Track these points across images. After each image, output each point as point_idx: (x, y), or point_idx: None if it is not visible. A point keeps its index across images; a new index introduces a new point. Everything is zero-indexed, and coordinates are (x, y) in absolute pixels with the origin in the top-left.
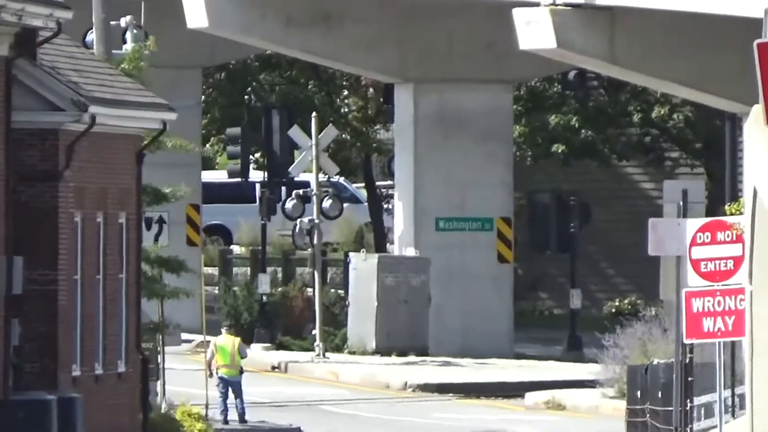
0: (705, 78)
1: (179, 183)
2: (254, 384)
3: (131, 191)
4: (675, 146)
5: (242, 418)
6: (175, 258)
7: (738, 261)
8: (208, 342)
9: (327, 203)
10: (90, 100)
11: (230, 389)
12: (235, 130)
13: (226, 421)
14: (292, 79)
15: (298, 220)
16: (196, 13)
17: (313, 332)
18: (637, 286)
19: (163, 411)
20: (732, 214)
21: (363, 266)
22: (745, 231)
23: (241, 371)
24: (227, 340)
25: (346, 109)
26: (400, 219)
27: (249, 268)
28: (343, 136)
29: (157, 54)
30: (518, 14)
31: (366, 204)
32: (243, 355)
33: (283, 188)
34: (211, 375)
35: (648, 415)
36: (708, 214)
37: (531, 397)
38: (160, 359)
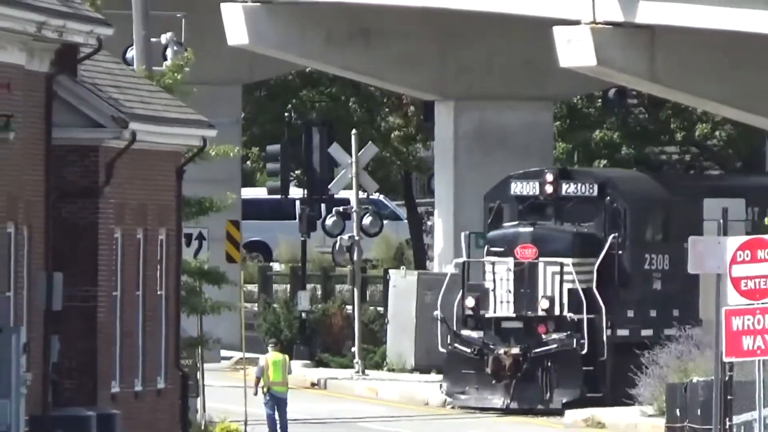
0: (746, 96)
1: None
2: (294, 401)
3: (171, 207)
4: (715, 164)
5: None
6: (216, 269)
7: None
8: (248, 359)
9: (367, 220)
10: (130, 117)
11: (276, 407)
12: (275, 147)
13: None
14: (332, 95)
15: (338, 237)
16: (236, 30)
17: (353, 349)
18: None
19: (202, 428)
20: None
21: (402, 283)
22: None
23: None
24: (278, 357)
25: (387, 126)
26: (439, 236)
27: (289, 285)
28: (383, 153)
29: (197, 71)
30: (559, 32)
31: (406, 221)
32: (290, 372)
33: (323, 205)
34: (256, 393)
35: None
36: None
37: (570, 414)
38: (199, 375)
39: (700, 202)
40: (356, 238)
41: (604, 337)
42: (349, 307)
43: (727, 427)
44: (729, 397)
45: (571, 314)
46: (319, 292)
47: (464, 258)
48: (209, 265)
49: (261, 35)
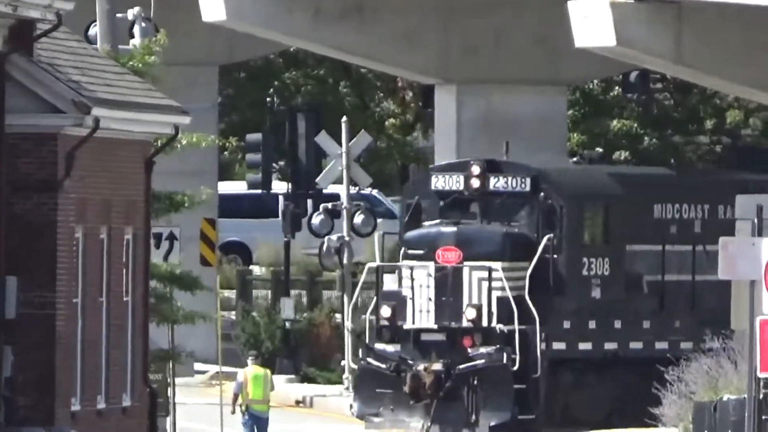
0: None
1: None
2: (277, 420)
3: (139, 203)
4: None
5: None
6: (189, 274)
7: None
8: (225, 373)
9: (359, 218)
10: (93, 101)
11: (255, 427)
12: (256, 136)
13: None
14: (320, 78)
15: (326, 238)
16: (212, 5)
17: (342, 363)
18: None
19: None
20: None
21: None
22: None
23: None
24: (258, 371)
25: (381, 113)
26: None
27: (270, 291)
28: (378, 143)
29: (169, 50)
30: (574, 8)
31: None
32: (272, 389)
33: (310, 201)
34: (233, 411)
35: None
36: None
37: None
38: (170, 392)
39: (650, 200)
40: (346, 238)
41: (538, 352)
42: (338, 316)
43: None
44: (764, 417)
45: (500, 325)
46: (304, 299)
47: (377, 262)
48: (181, 269)
49: (241, 11)
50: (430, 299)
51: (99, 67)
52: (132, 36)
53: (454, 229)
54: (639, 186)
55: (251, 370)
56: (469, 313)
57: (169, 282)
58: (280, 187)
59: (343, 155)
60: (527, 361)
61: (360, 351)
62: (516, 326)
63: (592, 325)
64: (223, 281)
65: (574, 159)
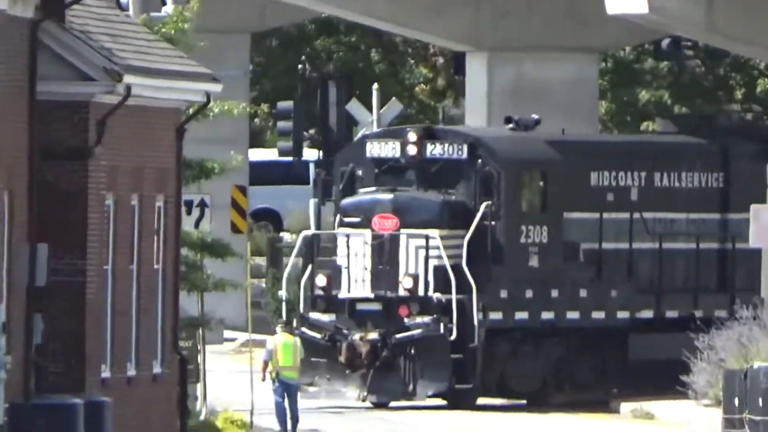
0: None
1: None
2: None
3: (170, 171)
4: None
5: (296, 426)
6: (220, 241)
7: None
8: (255, 341)
9: None
10: (125, 69)
11: (286, 394)
12: (287, 104)
13: (286, 430)
14: (351, 45)
15: None
16: None
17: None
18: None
19: (202, 417)
20: None
21: None
22: None
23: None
24: (288, 339)
25: (412, 81)
26: None
27: (301, 259)
28: (409, 110)
29: (201, 17)
30: None
31: None
32: (302, 357)
33: None
34: (264, 378)
35: (747, 426)
36: None
37: (616, 405)
38: (200, 359)
39: (587, 167)
40: None
41: (475, 321)
42: None
43: None
44: None
45: (437, 295)
46: None
47: (312, 230)
48: (212, 237)
49: None
50: (366, 268)
51: (131, 35)
52: (164, 3)
53: (390, 196)
54: (577, 153)
55: (281, 338)
56: (406, 282)
57: (199, 249)
58: (311, 154)
59: (374, 123)
60: (464, 330)
61: (294, 321)
62: (453, 295)
63: (529, 294)
64: (253, 248)
65: (510, 125)
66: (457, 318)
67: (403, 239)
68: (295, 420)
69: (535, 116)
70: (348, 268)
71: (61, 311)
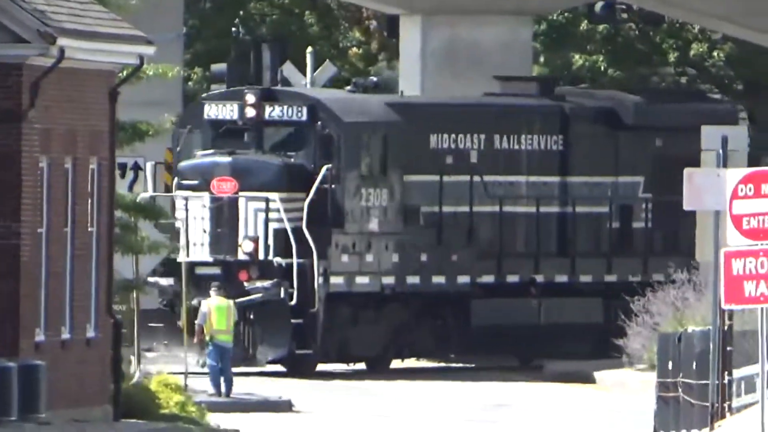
0: (750, 12)
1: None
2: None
3: (104, 134)
4: (714, 88)
5: (230, 389)
6: (154, 204)
7: None
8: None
9: None
10: (58, 31)
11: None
12: (221, 66)
13: (220, 393)
14: (285, 8)
15: None
16: None
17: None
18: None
19: (136, 380)
20: None
21: None
22: None
23: None
24: (222, 303)
25: (346, 44)
26: None
27: None
28: (342, 73)
29: None
30: None
31: None
32: (236, 320)
33: None
34: (200, 341)
35: (681, 390)
36: (751, 163)
37: (551, 368)
38: (135, 323)
39: (427, 129)
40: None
41: (316, 286)
42: None
43: (726, 381)
44: (728, 348)
45: (278, 259)
46: None
47: (150, 192)
48: (145, 200)
49: None
50: (204, 231)
51: None
52: None
53: (229, 159)
54: (417, 115)
55: (215, 302)
56: (246, 246)
57: (134, 212)
58: None
59: (308, 85)
60: (305, 295)
61: None
62: (294, 260)
63: (369, 258)
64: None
65: (348, 87)
66: (298, 282)
67: (242, 202)
68: (229, 382)
69: (373, 78)
70: (186, 231)
71: None
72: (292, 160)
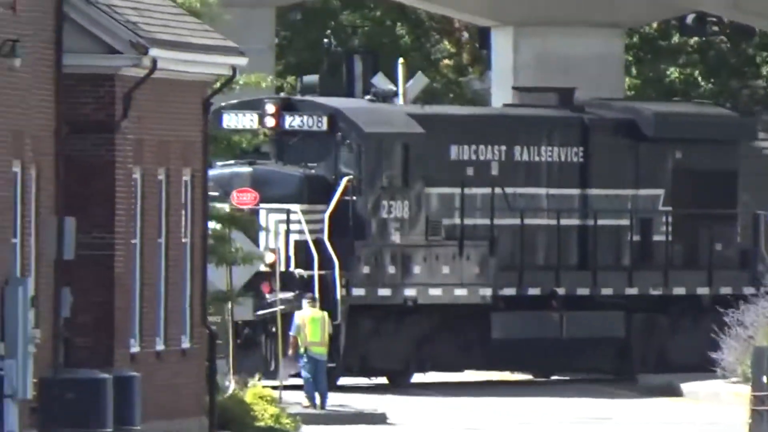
0: None
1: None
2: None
3: (197, 144)
4: None
5: (324, 401)
6: (247, 215)
7: None
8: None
9: None
10: (151, 42)
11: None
12: (313, 78)
13: (315, 405)
14: (376, 20)
15: None
16: None
17: None
18: None
19: (231, 392)
20: None
21: None
22: None
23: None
24: (316, 315)
25: (437, 55)
26: None
27: None
28: (434, 85)
29: None
30: None
31: None
32: (330, 332)
33: None
34: (294, 353)
35: None
36: None
37: (644, 380)
38: (229, 334)
39: (448, 140)
40: None
41: (338, 298)
42: None
43: None
44: None
45: (299, 270)
46: None
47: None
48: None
49: None
50: None
51: (156, 8)
52: None
53: (249, 169)
54: (438, 126)
55: (308, 313)
56: (267, 258)
57: (227, 223)
58: None
59: (399, 97)
60: (327, 307)
61: None
62: (315, 271)
63: (391, 270)
64: None
65: (368, 96)
66: (320, 294)
67: (263, 214)
68: (324, 394)
69: (393, 87)
70: None
71: (90, 285)
72: (313, 170)
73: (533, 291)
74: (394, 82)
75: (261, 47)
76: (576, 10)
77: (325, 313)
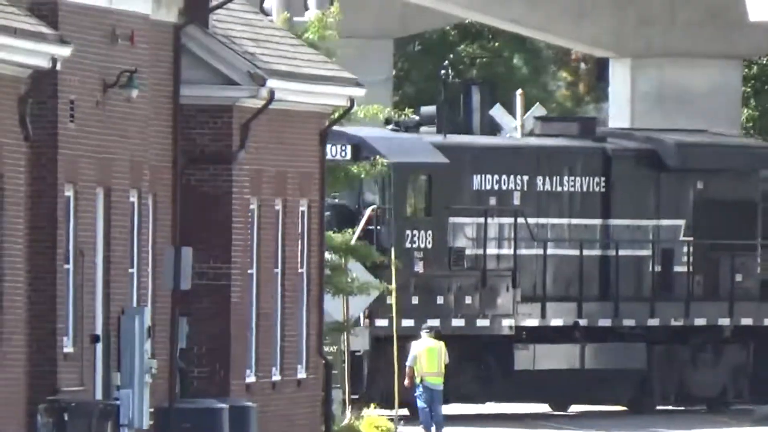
0: None
1: (365, 165)
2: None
3: (314, 175)
4: None
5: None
6: (364, 245)
7: None
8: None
9: None
10: (268, 73)
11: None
12: (431, 109)
13: None
14: (494, 51)
15: None
16: None
17: None
18: None
19: (347, 422)
20: None
21: None
22: None
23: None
24: (433, 345)
25: (555, 86)
26: None
27: None
28: (551, 114)
29: (344, 23)
30: None
31: None
32: (447, 362)
33: None
34: (411, 384)
35: None
36: None
37: (762, 411)
38: (344, 364)
39: (471, 170)
40: None
41: (362, 328)
42: None
43: None
44: None
45: None
46: None
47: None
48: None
49: None
50: None
51: (274, 39)
52: (307, 8)
53: None
54: (460, 156)
55: (425, 344)
56: None
57: (344, 253)
58: None
59: (518, 128)
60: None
61: None
62: None
63: (414, 300)
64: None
65: (390, 126)
66: None
67: None
68: (440, 424)
69: (415, 117)
70: None
71: (206, 315)
72: (336, 200)
73: (556, 322)
74: (512, 113)
75: (379, 78)
76: (693, 41)
77: (442, 344)
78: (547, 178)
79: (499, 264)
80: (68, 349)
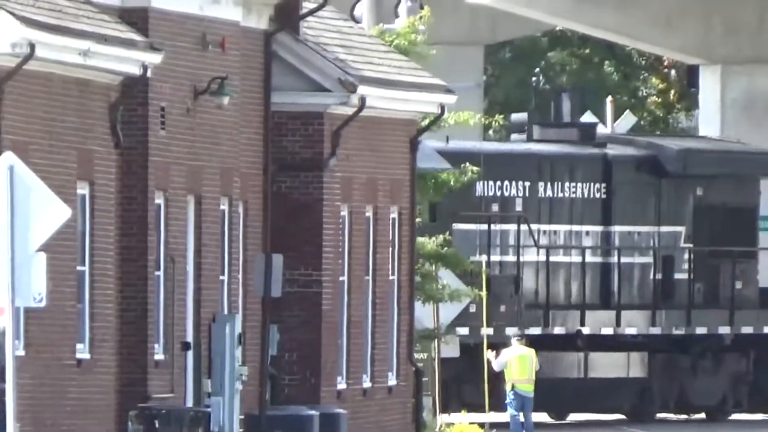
0: None
1: (454, 171)
2: None
3: (404, 182)
4: None
5: None
6: (455, 252)
7: None
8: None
9: None
10: (359, 80)
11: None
12: (521, 116)
13: None
14: (585, 57)
15: None
16: None
17: None
18: None
19: (438, 430)
20: None
21: None
22: None
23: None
24: (524, 352)
25: (645, 92)
26: None
27: None
28: (641, 122)
29: (434, 29)
30: None
31: None
32: (538, 369)
33: None
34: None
35: None
36: None
37: None
38: (435, 371)
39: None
40: None
41: None
42: None
43: None
44: None
45: None
46: None
47: None
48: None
49: None
50: None
51: (364, 46)
52: (397, 15)
53: None
54: (464, 162)
55: (516, 351)
56: None
57: (435, 260)
58: None
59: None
60: None
61: None
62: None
63: None
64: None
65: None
66: None
67: None
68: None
69: (602, 124)
70: None
71: (297, 322)
72: None
73: (558, 330)
74: (602, 119)
75: (469, 85)
76: None
77: (533, 351)
78: (549, 185)
79: (502, 271)
80: (159, 356)
